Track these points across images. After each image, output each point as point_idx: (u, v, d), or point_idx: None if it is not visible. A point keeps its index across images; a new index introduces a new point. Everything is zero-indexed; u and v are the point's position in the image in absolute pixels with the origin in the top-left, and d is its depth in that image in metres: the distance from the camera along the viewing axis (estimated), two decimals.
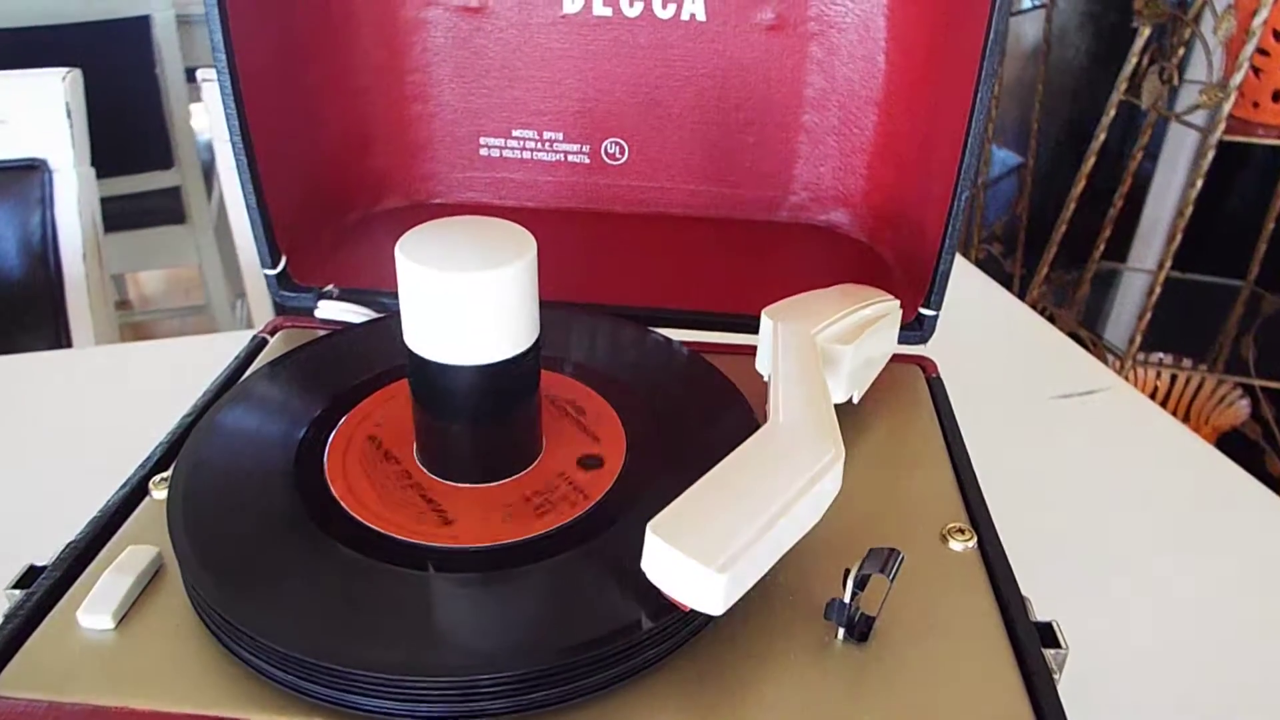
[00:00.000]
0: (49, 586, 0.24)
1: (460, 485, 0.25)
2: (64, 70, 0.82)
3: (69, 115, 0.82)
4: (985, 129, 0.30)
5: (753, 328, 0.31)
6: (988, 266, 1.60)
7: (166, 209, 1.66)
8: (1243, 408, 1.31)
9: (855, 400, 0.30)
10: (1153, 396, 1.36)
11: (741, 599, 0.24)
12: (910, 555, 0.26)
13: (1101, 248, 1.32)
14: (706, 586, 0.20)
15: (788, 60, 0.40)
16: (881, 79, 0.38)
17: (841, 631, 0.23)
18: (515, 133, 0.42)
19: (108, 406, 0.56)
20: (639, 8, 0.39)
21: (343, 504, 0.25)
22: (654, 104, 0.41)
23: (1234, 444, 1.33)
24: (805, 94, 0.40)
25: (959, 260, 0.80)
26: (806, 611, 0.24)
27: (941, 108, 0.34)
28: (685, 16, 0.39)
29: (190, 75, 1.57)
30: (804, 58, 0.39)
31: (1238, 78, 0.99)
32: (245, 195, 0.34)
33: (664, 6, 0.39)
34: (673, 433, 0.27)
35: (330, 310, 0.36)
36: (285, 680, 0.21)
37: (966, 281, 0.74)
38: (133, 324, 1.96)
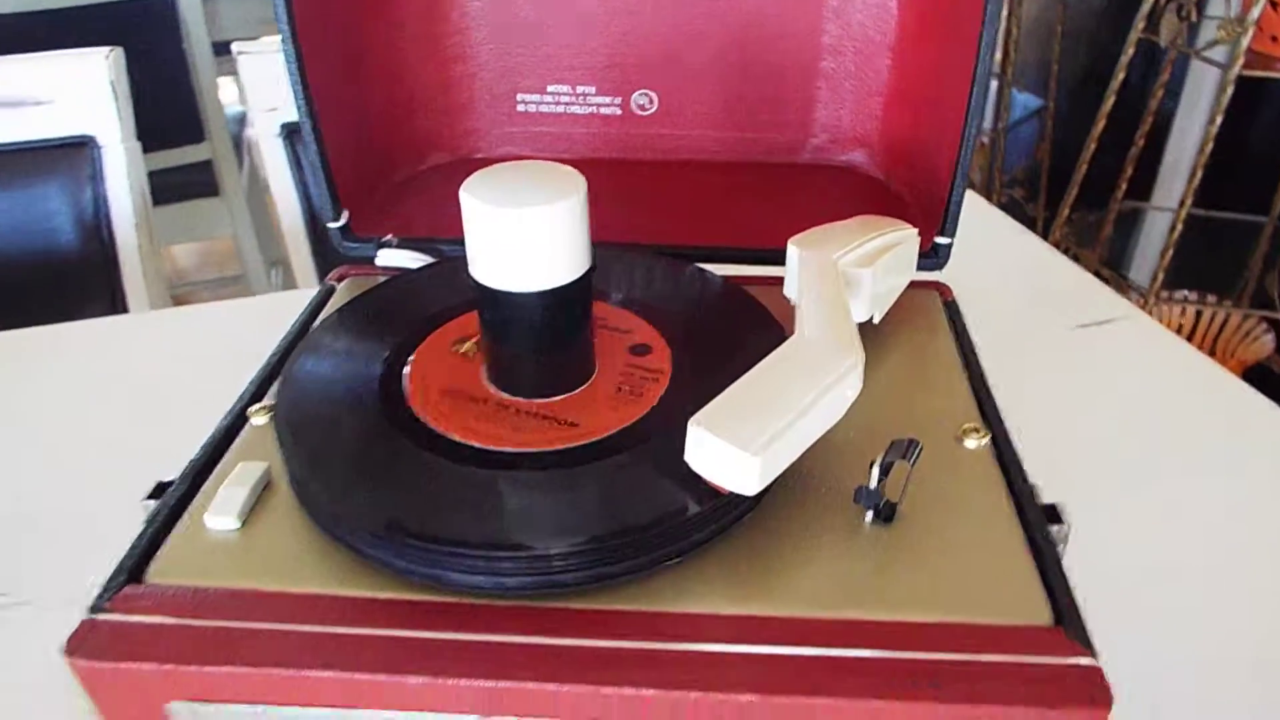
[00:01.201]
0: (179, 495, 0.28)
1: (525, 400, 0.29)
2: (106, 49, 0.85)
3: (114, 92, 0.85)
4: (991, 65, 0.33)
5: (781, 260, 0.34)
6: (1010, 211, 1.60)
7: (200, 183, 1.70)
8: (1267, 342, 1.32)
9: (875, 321, 0.33)
10: (1178, 333, 1.37)
11: (781, 490, 0.27)
12: (929, 452, 0.29)
13: (1124, 187, 1.33)
14: (742, 469, 0.23)
15: (805, 9, 0.42)
16: (894, 23, 0.41)
17: (870, 514, 0.27)
18: (550, 88, 0.45)
19: (176, 364, 0.60)
20: None
21: (423, 419, 0.28)
22: (680, 56, 0.43)
23: (1259, 377, 1.34)
24: (822, 41, 0.42)
25: (979, 201, 0.82)
26: (839, 501, 0.27)
27: (950, 47, 0.36)
28: None
29: (217, 50, 1.60)
30: (820, 6, 0.42)
31: (1255, 11, 0.99)
32: (309, 154, 0.37)
33: None
34: (711, 351, 0.31)
35: (390, 258, 0.39)
36: (387, 561, 0.25)
37: (985, 219, 0.76)
38: (171, 296, 2.00)
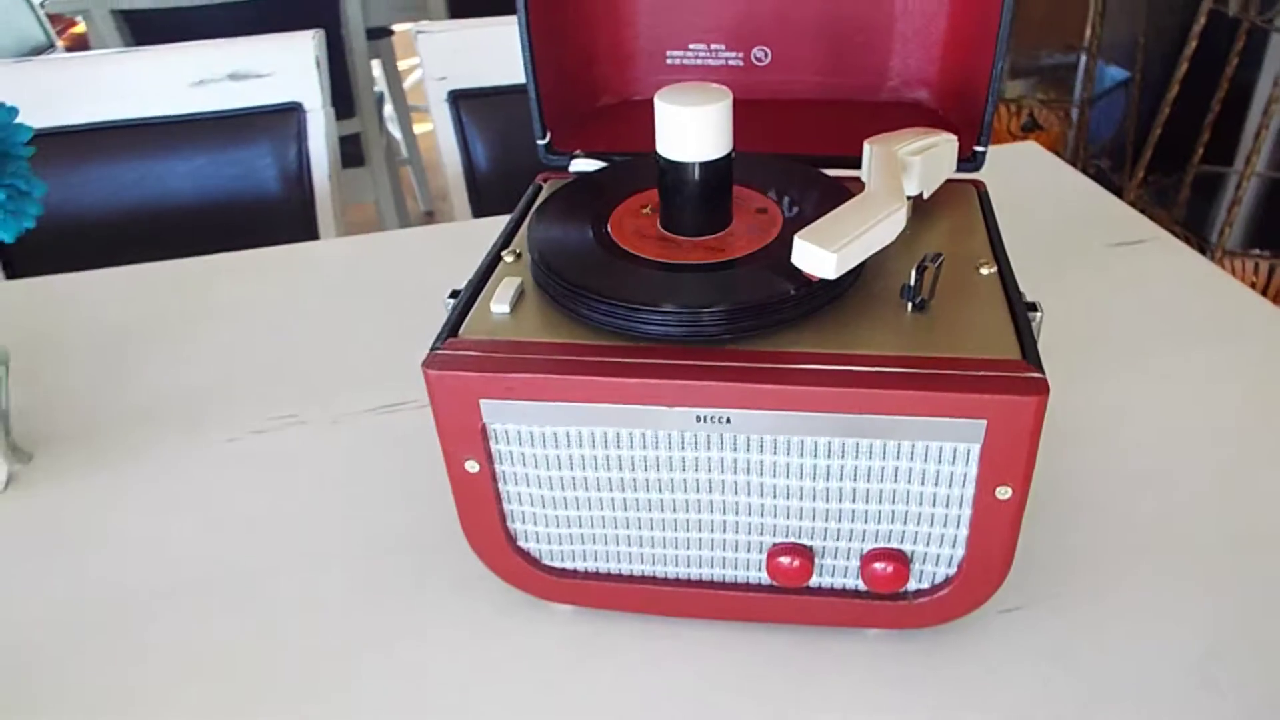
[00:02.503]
0: (469, 294, 0.44)
1: (687, 238, 0.44)
2: (313, 31, 1.04)
3: (318, 66, 1.05)
4: (1013, 14, 0.46)
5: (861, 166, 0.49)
6: (1097, 180, 1.67)
7: (349, 153, 1.92)
8: None
9: (925, 197, 0.48)
10: (1250, 288, 1.44)
11: (854, 293, 0.42)
12: (955, 275, 0.44)
13: (1200, 152, 1.40)
14: (825, 261, 0.38)
15: None
16: None
17: (909, 306, 0.41)
18: (691, 46, 0.60)
19: (363, 271, 0.78)
20: None
21: (622, 246, 0.44)
22: (789, 19, 0.58)
23: None
24: (895, 8, 0.57)
25: (1033, 147, 0.95)
26: (893, 300, 0.42)
27: (989, 5, 0.50)
28: None
29: (369, 34, 1.80)
30: None
31: None
32: (529, 87, 0.54)
33: None
34: (808, 211, 0.46)
35: (579, 165, 0.56)
36: (603, 322, 0.40)
37: (1045, 168, 0.89)
38: None
